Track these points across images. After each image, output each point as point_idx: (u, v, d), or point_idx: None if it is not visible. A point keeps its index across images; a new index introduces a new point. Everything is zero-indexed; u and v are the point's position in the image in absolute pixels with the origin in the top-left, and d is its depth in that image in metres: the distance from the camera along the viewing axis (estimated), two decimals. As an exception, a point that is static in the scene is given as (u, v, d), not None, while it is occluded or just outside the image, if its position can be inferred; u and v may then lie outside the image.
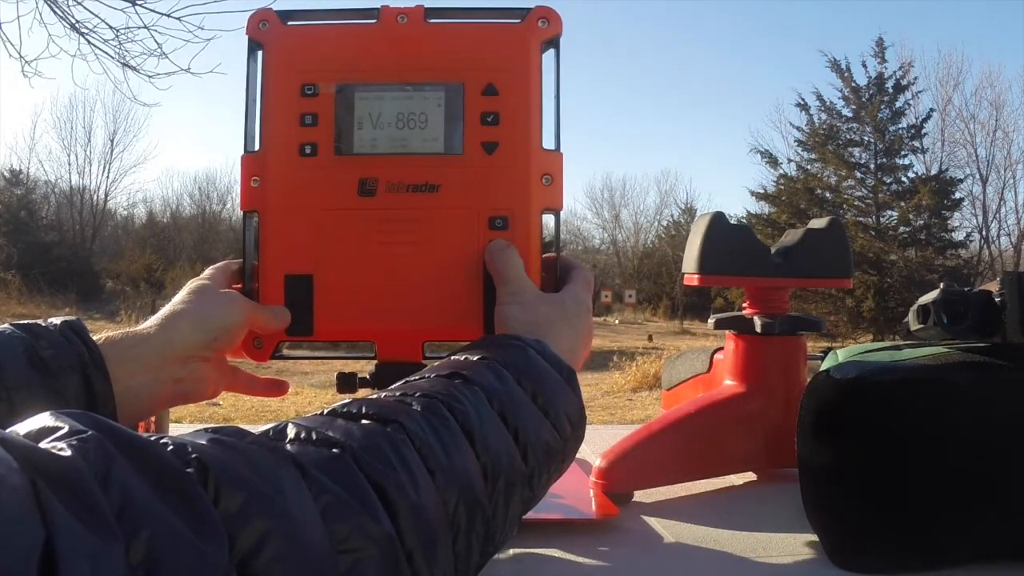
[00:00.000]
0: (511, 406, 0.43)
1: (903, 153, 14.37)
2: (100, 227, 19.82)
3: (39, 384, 0.46)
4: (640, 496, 0.76)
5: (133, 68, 5.46)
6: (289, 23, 0.59)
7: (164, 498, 0.26)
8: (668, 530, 0.68)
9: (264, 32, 0.59)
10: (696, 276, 0.82)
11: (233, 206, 19.99)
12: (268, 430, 0.35)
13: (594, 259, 20.40)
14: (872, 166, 14.32)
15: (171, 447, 0.29)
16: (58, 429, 0.26)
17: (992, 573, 0.59)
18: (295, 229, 0.58)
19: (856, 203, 14.41)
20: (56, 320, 0.51)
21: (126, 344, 0.52)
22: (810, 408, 0.64)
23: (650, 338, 12.21)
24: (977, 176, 15.26)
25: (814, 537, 0.63)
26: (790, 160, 15.05)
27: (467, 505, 0.37)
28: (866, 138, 14.38)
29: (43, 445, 0.25)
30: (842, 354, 0.65)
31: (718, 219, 0.82)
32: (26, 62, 5.23)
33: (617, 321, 15.28)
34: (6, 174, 18.01)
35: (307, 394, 5.91)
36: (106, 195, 19.75)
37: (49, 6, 5.18)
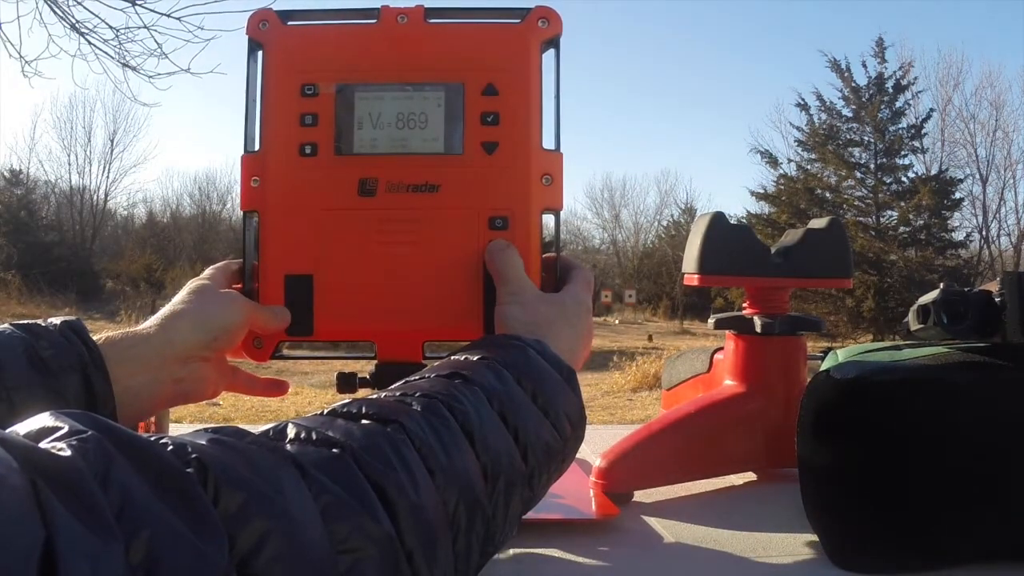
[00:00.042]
0: (511, 406, 0.43)
1: (903, 153, 14.37)
2: (100, 227, 19.83)
3: (39, 384, 0.46)
4: (640, 496, 0.76)
5: (133, 68, 5.48)
6: (289, 23, 0.59)
7: (164, 498, 0.26)
8: (668, 530, 0.68)
9: (264, 32, 0.59)
10: (696, 276, 0.82)
11: (233, 206, 20.02)
12: (268, 430, 0.35)
13: (594, 259, 20.40)
14: (872, 166, 14.32)
15: (171, 447, 0.29)
16: (58, 429, 0.26)
17: (992, 573, 0.59)
18: (295, 229, 0.58)
19: (856, 203, 14.41)
20: (56, 320, 0.51)
21: (126, 344, 0.52)
22: (810, 408, 0.64)
23: (650, 338, 12.21)
24: (977, 176, 15.28)
25: (814, 537, 0.63)
26: (790, 160, 15.07)
27: (467, 505, 0.37)
28: (866, 138, 14.38)
29: (43, 445, 0.25)
30: (842, 354, 0.65)
31: (718, 219, 0.82)
32: (26, 62, 5.24)
33: (617, 321, 15.28)
34: (6, 174, 18.03)
35: (307, 394, 5.91)
36: (106, 195, 19.80)
37: (49, 6, 5.19)
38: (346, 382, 0.61)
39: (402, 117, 0.58)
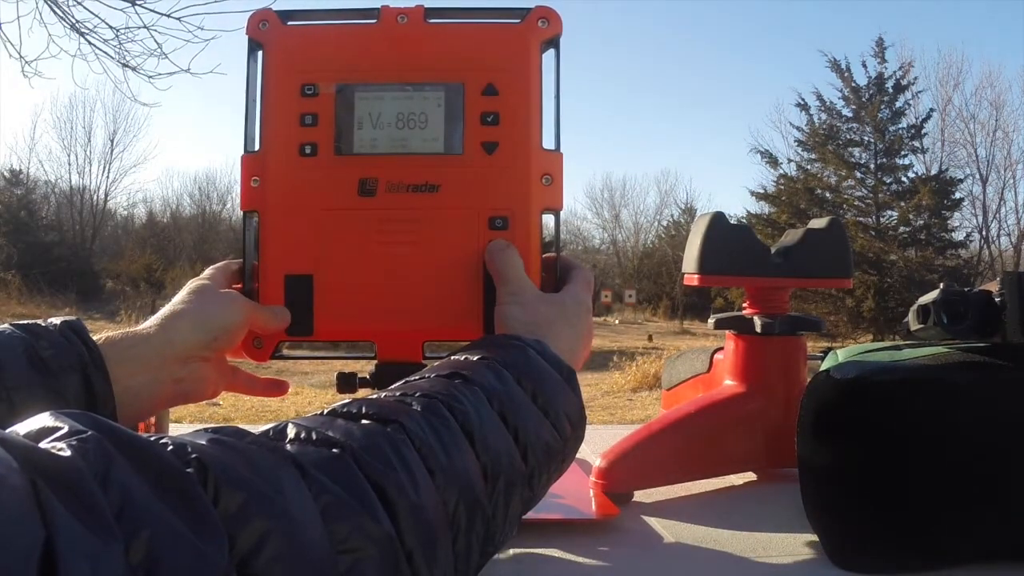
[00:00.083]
0: (511, 406, 0.43)
1: (903, 153, 14.37)
2: (100, 227, 19.83)
3: (39, 384, 0.46)
4: (640, 496, 0.76)
5: (133, 68, 5.48)
6: (289, 23, 0.59)
7: (164, 498, 0.26)
8: (668, 530, 0.68)
9: (264, 32, 0.59)
10: (696, 276, 0.82)
11: (233, 206, 20.02)
12: (268, 430, 0.35)
13: (594, 259, 20.40)
14: (872, 166, 14.32)
15: (171, 447, 0.29)
16: (58, 429, 0.26)
17: (992, 573, 0.59)
18: (295, 229, 0.58)
19: (856, 203, 14.41)
20: (56, 320, 0.51)
21: (126, 344, 0.52)
22: (810, 408, 0.64)
23: (650, 338, 12.21)
24: (977, 176, 15.28)
25: (814, 537, 0.63)
26: (790, 160, 15.07)
27: (467, 505, 0.37)
28: (866, 138, 14.38)
29: (43, 445, 0.25)
30: (842, 354, 0.65)
31: (718, 219, 0.82)
32: (26, 62, 5.24)
33: (617, 321, 15.28)
34: (6, 174, 18.03)
35: (307, 394, 5.91)
36: (106, 195, 19.80)
37: (49, 6, 5.19)
38: (346, 382, 0.61)
39: (402, 117, 0.58)
